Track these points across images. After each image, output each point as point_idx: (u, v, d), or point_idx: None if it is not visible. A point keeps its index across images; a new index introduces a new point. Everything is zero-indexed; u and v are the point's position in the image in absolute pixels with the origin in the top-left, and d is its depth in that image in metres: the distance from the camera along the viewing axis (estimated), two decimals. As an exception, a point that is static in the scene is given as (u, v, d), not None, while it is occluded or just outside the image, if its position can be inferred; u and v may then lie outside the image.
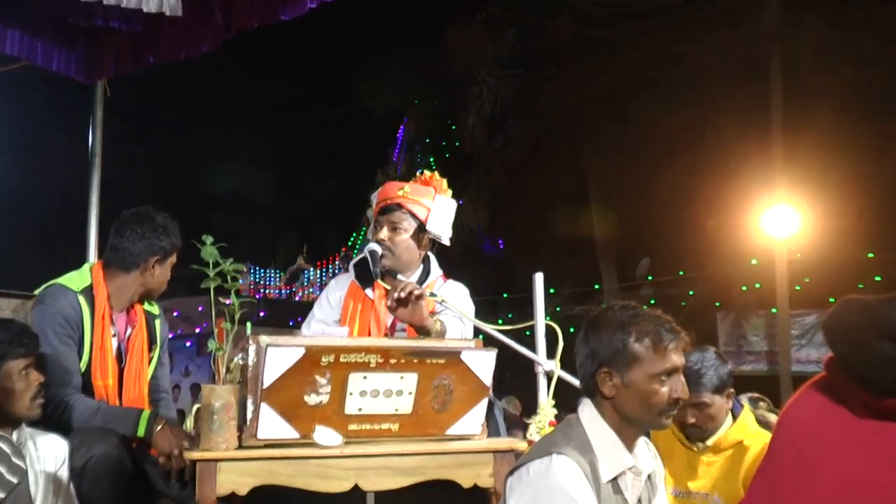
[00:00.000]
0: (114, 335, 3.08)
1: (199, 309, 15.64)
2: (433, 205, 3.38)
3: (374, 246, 3.33)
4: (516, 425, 9.78)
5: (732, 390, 3.15)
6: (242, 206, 28.13)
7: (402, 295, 2.87)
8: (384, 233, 3.36)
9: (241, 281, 2.69)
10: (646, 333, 2.16)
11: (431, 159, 18.71)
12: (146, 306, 3.23)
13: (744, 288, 15.07)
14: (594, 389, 2.20)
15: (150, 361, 3.20)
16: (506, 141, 17.26)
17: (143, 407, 3.03)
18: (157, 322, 3.27)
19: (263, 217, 29.00)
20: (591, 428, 2.18)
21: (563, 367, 2.99)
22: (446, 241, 3.44)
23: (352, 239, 23.06)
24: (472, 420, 2.71)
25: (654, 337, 2.16)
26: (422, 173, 3.53)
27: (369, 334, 3.26)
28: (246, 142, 28.89)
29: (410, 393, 2.60)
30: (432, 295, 3.13)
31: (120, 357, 3.09)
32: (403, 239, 3.36)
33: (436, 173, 3.51)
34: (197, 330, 16.21)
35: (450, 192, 3.48)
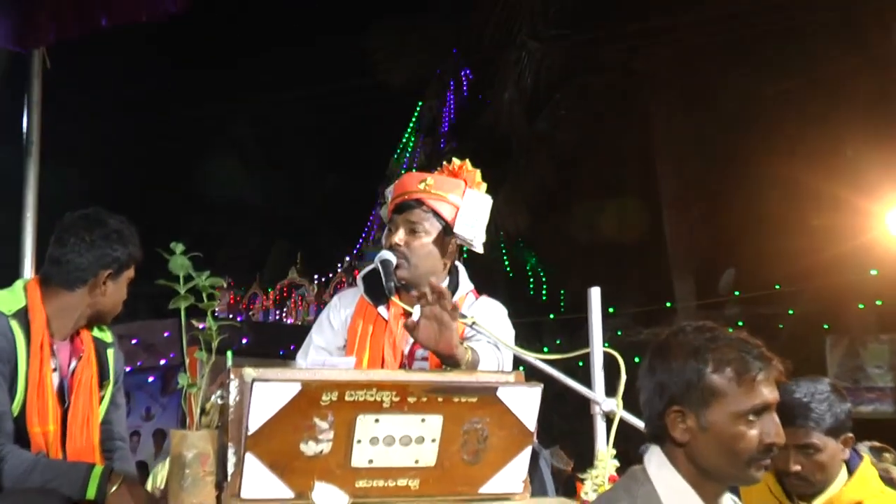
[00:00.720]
0: (54, 369, 3.09)
1: (165, 335, 15.74)
2: (462, 202, 3.38)
3: (386, 254, 3.34)
4: (565, 482, 9.74)
5: (851, 435, 3.12)
6: (221, 207, 28.33)
7: (428, 293, 2.85)
8: (400, 236, 3.37)
9: (218, 300, 2.70)
10: (727, 362, 2.15)
11: (457, 146, 18.74)
12: (96, 332, 3.25)
13: (861, 306, 14.95)
14: (663, 434, 2.19)
15: (100, 401, 3.21)
16: (552, 122, 17.27)
17: (93, 460, 3.04)
18: (110, 352, 3.28)
19: (247, 219, 29.20)
20: (662, 483, 2.17)
21: (626, 406, 2.98)
22: (478, 248, 3.44)
23: (359, 245, 23.13)
24: (513, 474, 2.71)
25: (737, 366, 2.15)
26: (448, 162, 3.53)
27: (383, 365, 3.27)
28: (225, 125, 29.14)
29: (434, 440, 2.60)
30: (461, 316, 3.13)
31: (62, 396, 3.10)
32: (424, 243, 3.36)
33: (466, 162, 3.52)
34: (162, 362, 16.31)
35: (484, 185, 3.49)
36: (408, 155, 22.52)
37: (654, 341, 2.25)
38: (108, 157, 26.62)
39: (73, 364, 3.15)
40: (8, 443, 2.91)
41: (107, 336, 3.30)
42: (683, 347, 2.18)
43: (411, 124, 22.49)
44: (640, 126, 16.84)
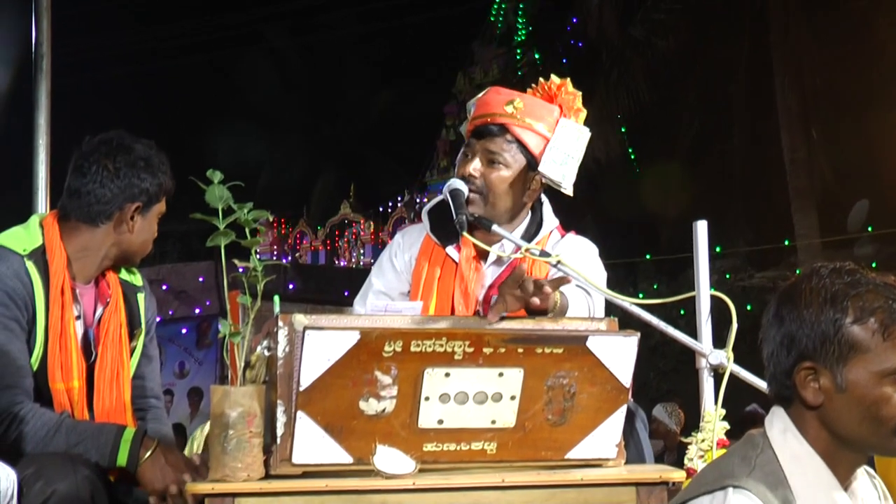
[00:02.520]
0: (77, 317, 3.13)
1: (200, 280, 15.92)
2: (554, 134, 3.36)
3: (457, 182, 3.34)
4: (669, 446, 9.78)
5: None
6: (260, 129, 28.44)
7: (529, 290, 2.80)
8: (475, 165, 3.36)
9: (263, 237, 2.73)
10: (871, 311, 2.12)
11: (537, 57, 18.59)
12: (124, 275, 3.29)
13: None
14: (790, 394, 2.18)
15: (131, 353, 3.26)
16: (649, 27, 17.05)
17: (123, 421, 3.09)
18: (141, 297, 3.33)
19: (291, 144, 29.27)
20: (786, 451, 2.16)
21: (738, 359, 2.97)
22: (568, 189, 3.42)
23: (422, 174, 23.15)
24: (605, 438, 2.73)
25: (884, 316, 2.12)
26: (545, 81, 3.49)
27: (453, 312, 3.30)
28: (261, 33, 29.14)
29: (514, 398, 2.62)
30: (543, 254, 3.13)
31: (88, 349, 3.15)
32: (503, 177, 3.36)
33: (567, 81, 3.48)
34: (197, 311, 16.50)
35: (584, 113, 3.46)
36: (475, 69, 22.41)
37: (783, 286, 2.22)
38: (128, 74, 26.85)
39: (100, 311, 3.19)
40: (28, 401, 2.95)
41: (136, 279, 3.33)
42: (818, 293, 2.15)
43: (481, 33, 22.34)
44: (752, 31, 16.56)
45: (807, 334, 2.14)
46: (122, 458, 2.88)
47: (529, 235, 3.42)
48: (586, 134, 3.43)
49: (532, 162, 3.37)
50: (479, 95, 3.52)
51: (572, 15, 17.87)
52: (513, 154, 3.36)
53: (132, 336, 3.26)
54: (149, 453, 2.88)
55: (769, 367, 2.22)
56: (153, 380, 3.39)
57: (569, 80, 3.49)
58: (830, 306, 2.13)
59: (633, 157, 17.79)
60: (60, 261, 3.08)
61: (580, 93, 3.47)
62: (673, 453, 9.39)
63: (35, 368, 3.01)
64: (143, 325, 3.31)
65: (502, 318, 2.76)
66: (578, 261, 3.25)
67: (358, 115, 29.51)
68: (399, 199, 23.39)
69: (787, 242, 16.55)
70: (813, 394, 2.14)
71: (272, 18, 27.99)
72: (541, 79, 3.53)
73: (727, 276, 14.85)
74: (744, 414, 10.74)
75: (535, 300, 2.79)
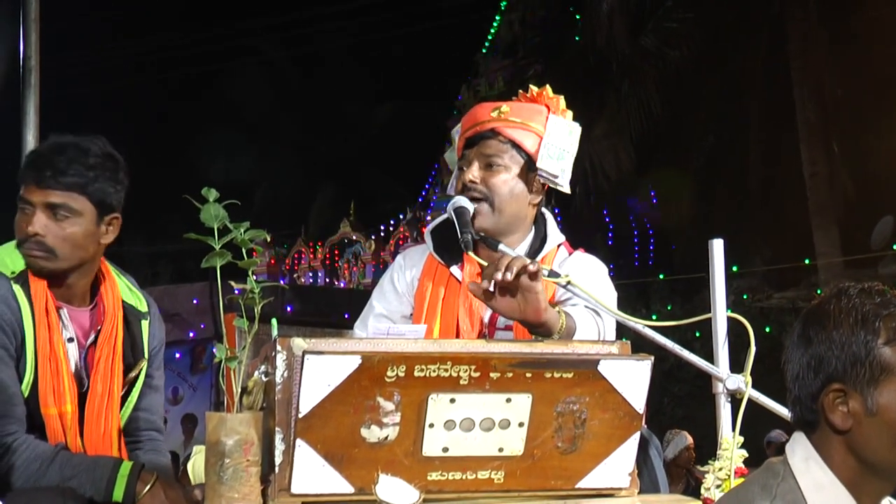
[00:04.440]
0: (69, 340, 3.15)
1: (194, 302, 15.92)
2: (546, 130, 3.39)
3: (462, 200, 3.34)
4: (684, 475, 9.78)
5: None
6: (256, 145, 28.50)
7: (508, 276, 2.87)
8: (475, 172, 3.37)
9: (261, 257, 2.74)
10: None
11: (543, 69, 18.63)
12: (128, 298, 3.29)
13: None
14: (817, 419, 2.17)
15: (130, 383, 3.25)
16: (662, 37, 17.09)
17: (113, 452, 3.10)
18: (145, 324, 3.33)
19: (287, 160, 29.33)
20: (808, 479, 2.16)
21: (756, 384, 2.97)
22: (564, 186, 3.45)
23: (425, 192, 23.16)
24: (618, 466, 2.73)
25: None
26: (527, 89, 3.54)
27: (458, 335, 3.31)
28: (255, 44, 29.22)
29: (522, 424, 2.62)
30: (552, 274, 3.14)
31: (82, 374, 3.16)
32: (506, 179, 3.37)
33: (547, 87, 3.52)
34: (191, 334, 16.47)
35: (569, 113, 3.49)
36: (479, 81, 22.45)
37: (809, 306, 2.22)
38: (118, 89, 26.90)
39: (93, 336, 3.20)
40: (21, 431, 2.96)
41: (141, 304, 3.34)
42: (848, 314, 2.15)
43: (487, 43, 22.39)
44: (769, 41, 16.58)
45: (836, 356, 2.14)
46: (119, 493, 2.89)
47: (533, 251, 3.42)
48: (577, 129, 3.46)
49: (530, 161, 3.38)
50: (464, 116, 3.56)
51: (581, 25, 17.90)
52: (510, 155, 3.38)
53: (133, 366, 3.25)
54: (147, 488, 2.89)
55: (793, 391, 2.22)
56: (156, 412, 3.39)
57: (548, 86, 3.52)
58: (861, 327, 2.14)
59: (644, 172, 17.77)
60: (41, 281, 3.10)
61: (562, 97, 3.49)
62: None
63: (26, 394, 3.02)
64: (146, 353, 3.30)
65: (509, 341, 2.77)
66: (587, 280, 3.25)
67: (357, 129, 29.56)
68: (401, 216, 23.40)
69: (807, 261, 16.55)
70: (841, 418, 2.14)
71: (266, 30, 28.08)
72: (520, 90, 3.57)
73: (745, 297, 14.84)
74: (769, 440, 10.75)
75: (499, 276, 2.84)
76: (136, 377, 3.28)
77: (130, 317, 3.29)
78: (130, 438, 3.28)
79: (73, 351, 3.15)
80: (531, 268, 2.86)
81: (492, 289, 2.90)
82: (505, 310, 2.94)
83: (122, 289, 3.30)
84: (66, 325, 3.16)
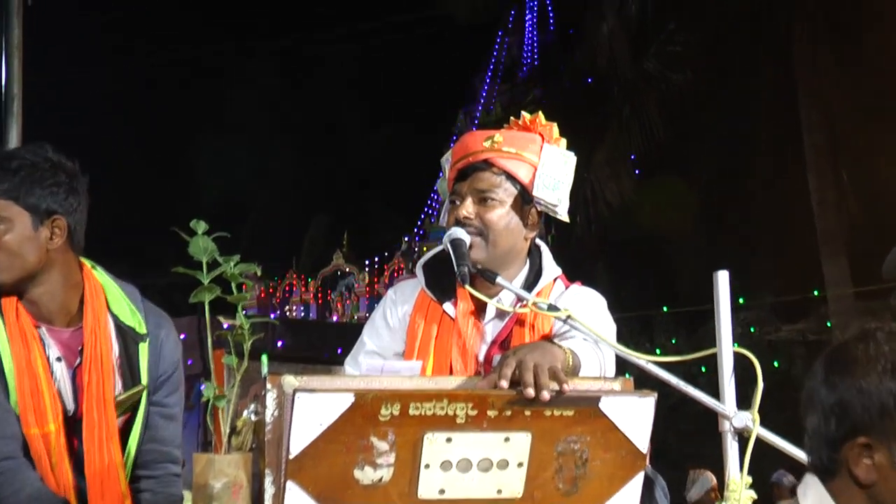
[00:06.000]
0: (57, 359, 3.14)
1: (182, 337, 15.88)
2: (540, 159, 3.39)
3: (459, 232, 3.35)
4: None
5: None
6: (245, 173, 28.52)
7: (545, 396, 2.63)
8: (469, 208, 3.37)
9: (251, 292, 2.75)
10: None
11: (542, 93, 18.68)
12: (127, 320, 3.25)
13: None
14: (836, 467, 2.14)
15: (131, 410, 3.24)
16: (665, 60, 17.13)
17: (115, 485, 3.10)
18: (143, 348, 3.28)
19: (279, 190, 29.37)
20: (823, 530, 2.15)
21: (764, 422, 2.97)
22: (563, 215, 3.45)
23: (420, 222, 23.17)
24: (621, 508, 2.72)
25: None
26: (529, 113, 3.55)
27: (451, 371, 3.30)
28: (246, 69, 29.27)
29: (521, 465, 2.62)
30: (552, 308, 3.15)
31: (66, 396, 3.14)
32: (501, 214, 3.37)
33: (540, 114, 3.53)
34: (178, 370, 16.51)
35: (563, 141, 3.50)
36: (480, 106, 22.50)
37: (831, 348, 2.18)
38: (103, 110, 26.90)
39: (79, 360, 3.18)
40: (15, 453, 2.99)
41: (139, 324, 3.28)
42: (876, 361, 2.11)
43: (483, 69, 22.44)
44: (775, 64, 16.63)
45: (863, 405, 2.10)
46: None
47: (528, 285, 3.42)
48: (572, 159, 3.45)
49: (524, 193, 3.38)
50: (454, 144, 3.56)
51: (580, 48, 17.94)
52: (504, 188, 3.37)
53: (128, 386, 3.22)
54: None
55: (812, 437, 2.18)
56: (171, 442, 3.35)
57: (541, 113, 3.52)
58: (891, 377, 2.10)
59: (647, 199, 17.78)
60: (12, 298, 3.11)
61: (555, 124, 3.50)
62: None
63: None
64: (146, 380, 3.25)
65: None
66: (587, 315, 3.26)
67: (351, 156, 29.59)
68: (396, 248, 23.39)
69: (816, 292, 16.55)
70: (866, 471, 2.10)
71: (259, 53, 28.14)
72: (511, 117, 3.58)
73: (752, 330, 14.86)
74: (775, 481, 10.69)
75: (529, 391, 2.62)
76: (136, 405, 3.25)
77: (128, 339, 3.24)
78: (145, 472, 3.26)
79: (60, 371, 3.14)
80: (566, 387, 2.68)
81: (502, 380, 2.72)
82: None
83: (122, 309, 3.26)
84: (50, 345, 3.15)
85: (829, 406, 2.14)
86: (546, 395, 2.59)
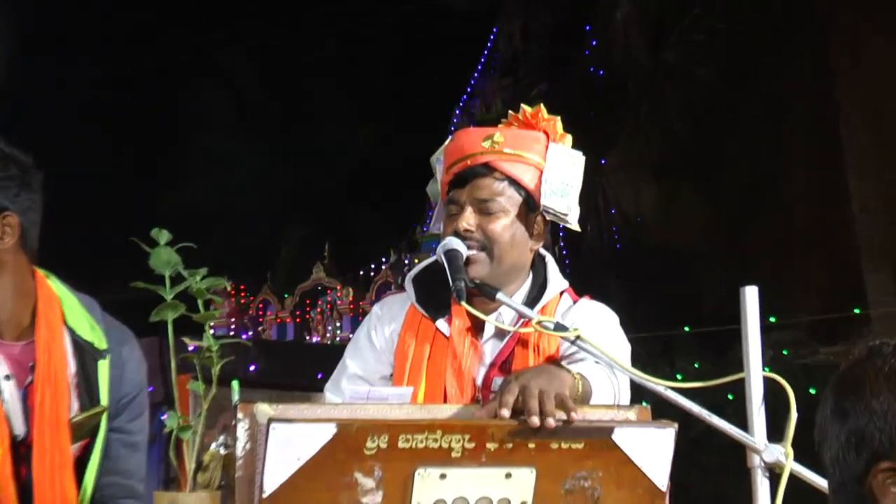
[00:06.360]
0: (6, 377, 3.15)
1: (141, 361, 15.92)
2: (546, 162, 3.40)
3: (454, 242, 3.35)
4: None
5: None
6: (214, 176, 28.53)
7: (551, 423, 2.65)
8: (469, 220, 3.37)
9: (221, 309, 2.75)
10: None
11: (548, 89, 18.70)
12: (85, 334, 3.26)
13: None
14: (864, 500, 2.17)
15: (88, 436, 3.24)
16: (688, 51, 17.15)
17: None
18: (103, 366, 3.29)
19: (252, 195, 29.38)
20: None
21: (798, 456, 2.98)
22: (573, 223, 3.45)
23: (414, 231, 23.16)
24: (637, 554, 2.73)
25: None
26: (515, 112, 3.55)
27: (445, 398, 3.31)
28: (213, 60, 29.29)
29: (525, 503, 2.63)
30: (559, 328, 3.15)
31: (14, 418, 3.15)
32: (505, 225, 3.38)
33: (542, 108, 3.53)
34: (137, 398, 16.50)
35: (569, 138, 3.50)
36: (475, 104, 22.53)
37: (839, 373, 2.21)
38: (54, 106, 26.89)
39: (30, 378, 3.18)
40: None
41: (99, 340, 3.30)
42: (887, 377, 2.13)
43: (481, 60, 22.46)
44: (814, 54, 16.66)
45: (879, 428, 2.12)
46: None
47: (531, 300, 3.43)
48: (581, 159, 3.46)
49: (530, 200, 3.39)
50: (444, 146, 3.54)
51: (592, 37, 17.96)
52: (508, 196, 3.38)
53: (84, 407, 3.22)
54: None
55: (835, 475, 2.19)
56: (134, 475, 3.37)
57: (542, 106, 3.52)
58: None
59: (668, 208, 17.80)
60: None
61: (559, 118, 3.49)
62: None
63: None
64: (106, 401, 3.25)
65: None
66: (597, 333, 3.25)
67: (333, 158, 29.59)
68: (384, 260, 23.39)
69: (857, 310, 16.56)
70: (894, 500, 2.14)
71: (227, 42, 28.12)
72: (510, 111, 3.58)
73: (785, 352, 14.84)
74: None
75: (534, 420, 2.65)
76: (94, 430, 3.25)
77: (86, 356, 3.25)
78: None
79: (9, 390, 3.14)
80: (574, 416, 2.71)
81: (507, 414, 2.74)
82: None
83: (80, 323, 3.27)
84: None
85: (845, 437, 2.16)
86: (552, 422, 2.61)
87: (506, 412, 2.66)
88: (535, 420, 2.59)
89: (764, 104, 16.82)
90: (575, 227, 3.48)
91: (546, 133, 3.45)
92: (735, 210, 16.83)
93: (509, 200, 3.39)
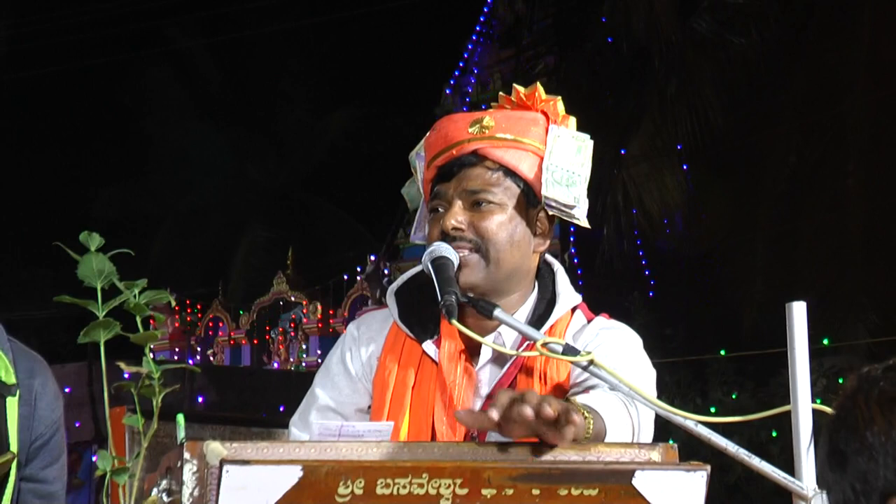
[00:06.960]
0: None
1: (66, 391, 15.94)
2: (547, 147, 3.40)
3: (443, 249, 3.35)
4: None
5: None
6: (156, 171, 28.58)
7: (550, 413, 2.66)
8: (458, 216, 3.37)
9: (163, 328, 2.76)
10: None
11: (556, 63, 18.75)
12: None
13: None
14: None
15: None
16: (723, 18, 17.19)
17: None
18: (12, 403, 3.30)
19: (201, 191, 29.43)
20: None
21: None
22: (582, 219, 3.44)
23: (391, 235, 23.21)
24: None
25: None
26: (507, 95, 3.55)
27: (434, 436, 3.33)
28: (163, 36, 29.39)
29: (529, 562, 2.63)
30: (569, 351, 3.15)
31: None
32: (502, 222, 3.38)
33: (538, 87, 3.52)
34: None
35: (572, 120, 3.50)
36: (472, 80, 22.58)
37: (835, 406, 2.26)
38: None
39: None
40: None
41: (6, 372, 3.29)
42: (879, 405, 2.19)
43: (477, 28, 22.53)
44: (874, 23, 16.70)
45: (882, 464, 2.17)
46: None
47: (538, 317, 3.43)
48: (588, 143, 3.44)
49: (530, 192, 3.40)
50: (424, 139, 3.55)
51: (609, 4, 18.01)
52: (503, 187, 3.38)
53: None
54: None
55: None
56: None
57: (539, 85, 3.51)
58: None
59: (700, 207, 17.85)
60: None
61: (559, 98, 3.49)
62: None
63: None
64: (16, 446, 3.26)
65: (508, 444, 2.74)
66: (616, 359, 3.21)
67: (299, 148, 29.67)
68: (359, 269, 23.42)
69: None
70: None
71: (177, 11, 28.23)
72: (500, 92, 3.58)
73: (840, 381, 14.89)
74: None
75: (528, 411, 2.64)
76: (2, 480, 3.25)
77: None
78: None
79: None
80: (575, 418, 2.71)
81: (502, 416, 2.73)
82: (517, 435, 2.79)
83: None
84: None
85: (849, 482, 2.22)
86: (550, 410, 2.59)
87: (495, 414, 2.65)
88: (528, 411, 2.58)
89: (817, 82, 16.84)
90: (584, 222, 3.45)
91: (546, 114, 3.45)
92: (779, 209, 16.85)
93: (505, 192, 3.39)
